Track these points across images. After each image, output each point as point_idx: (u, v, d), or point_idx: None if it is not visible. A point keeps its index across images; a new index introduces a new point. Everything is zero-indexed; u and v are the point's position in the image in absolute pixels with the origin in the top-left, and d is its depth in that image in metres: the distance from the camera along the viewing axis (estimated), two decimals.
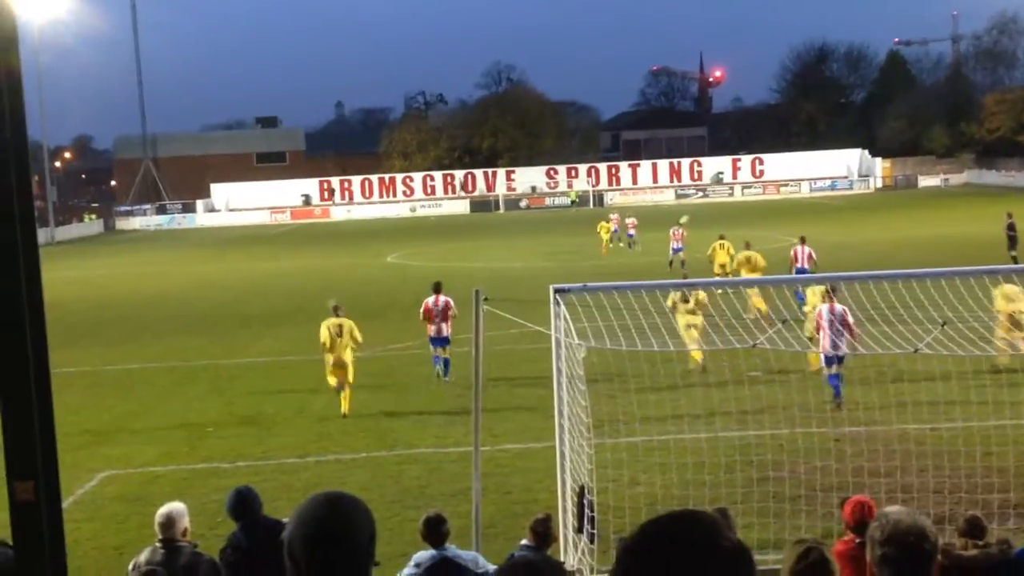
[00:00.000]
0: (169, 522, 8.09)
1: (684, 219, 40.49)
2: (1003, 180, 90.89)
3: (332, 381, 19.43)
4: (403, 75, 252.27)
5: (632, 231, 49.41)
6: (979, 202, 70.08)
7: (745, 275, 27.28)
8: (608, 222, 49.40)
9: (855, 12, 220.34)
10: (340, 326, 19.45)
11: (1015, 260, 34.62)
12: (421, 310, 21.83)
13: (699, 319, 20.13)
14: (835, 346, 17.10)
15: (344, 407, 19.07)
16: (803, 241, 29.43)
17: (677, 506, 12.27)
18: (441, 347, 21.65)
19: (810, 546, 5.73)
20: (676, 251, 39.62)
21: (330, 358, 19.37)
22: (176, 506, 8.30)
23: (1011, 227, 37.13)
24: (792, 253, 29.44)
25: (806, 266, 28.65)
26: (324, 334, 19.43)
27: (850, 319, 17.56)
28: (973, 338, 14.51)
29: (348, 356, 19.35)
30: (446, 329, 21.43)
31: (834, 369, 17.53)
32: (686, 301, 20.11)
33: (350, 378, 19.28)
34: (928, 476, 12.68)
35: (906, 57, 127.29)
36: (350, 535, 2.83)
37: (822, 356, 17.66)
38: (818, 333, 17.81)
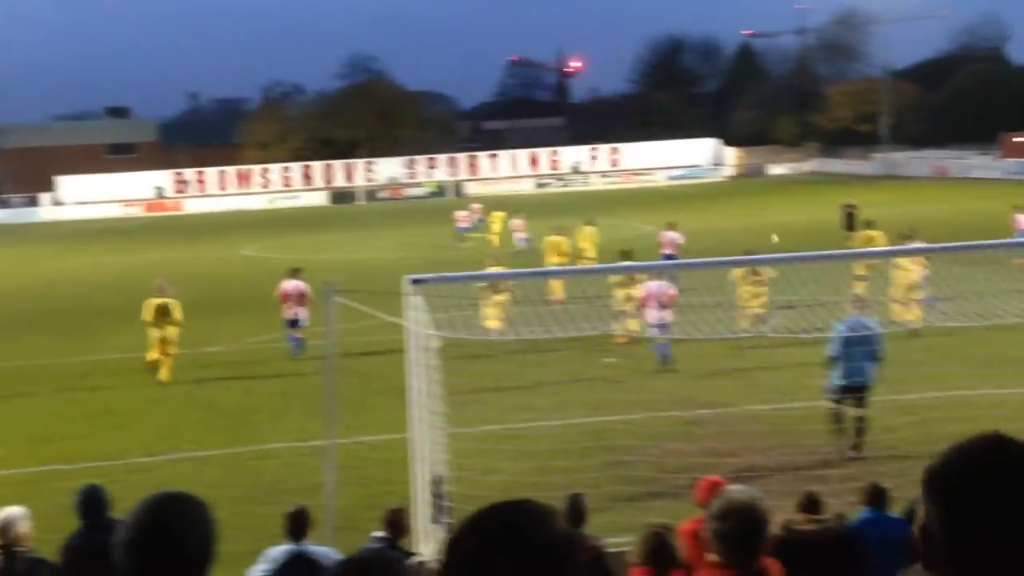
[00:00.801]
0: (6, 527, 7.83)
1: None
2: (846, 168, 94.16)
3: (153, 355, 21.19)
4: (260, 64, 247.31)
5: (475, 220, 49.70)
6: (824, 189, 72.50)
7: (554, 261, 28.74)
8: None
9: (707, 5, 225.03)
10: (165, 305, 21.24)
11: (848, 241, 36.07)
12: (277, 293, 22.93)
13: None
14: (659, 319, 18.63)
15: (164, 375, 20.88)
16: (671, 227, 30.35)
17: (533, 493, 12.40)
18: (294, 328, 22.68)
19: (653, 530, 5.88)
20: (524, 241, 40.73)
21: (155, 333, 21.15)
22: (13, 511, 8.03)
23: (849, 209, 38.93)
24: (665, 239, 30.31)
25: (672, 252, 29.48)
26: (148, 312, 21.32)
27: (671, 292, 18.99)
28: (815, 320, 15.08)
29: (170, 332, 21.24)
30: (301, 313, 22.48)
31: (662, 337, 18.64)
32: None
33: (171, 351, 21.17)
34: (774, 455, 13.10)
35: (755, 49, 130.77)
36: (174, 538, 2.78)
37: (651, 328, 18.87)
38: (644, 306, 19.11)
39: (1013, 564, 2.14)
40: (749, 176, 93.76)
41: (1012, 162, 75.40)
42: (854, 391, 13.88)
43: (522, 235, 42.04)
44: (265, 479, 14.70)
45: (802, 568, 6.91)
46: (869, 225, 27.03)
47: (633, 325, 19.66)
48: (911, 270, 19.80)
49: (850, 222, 38.37)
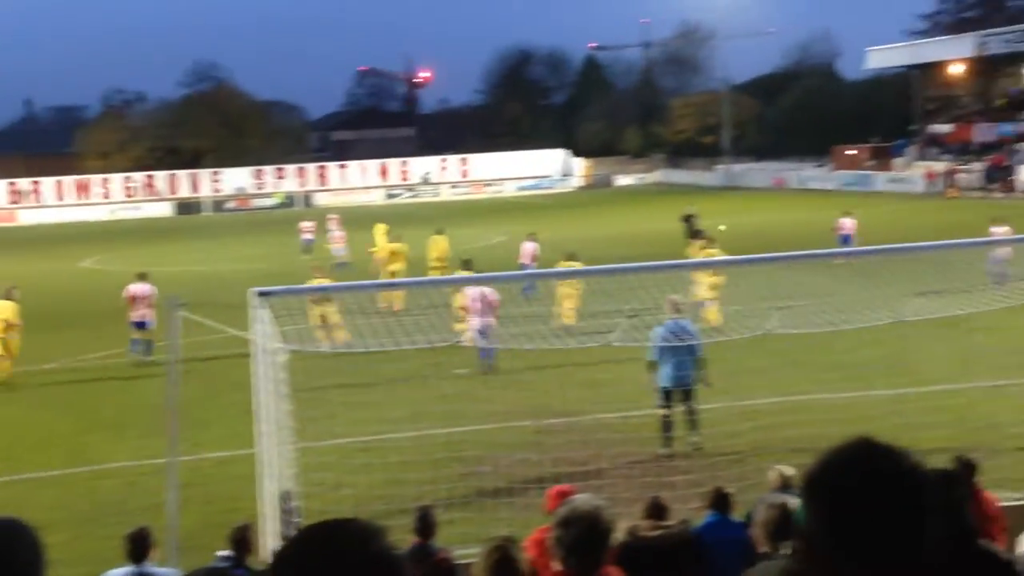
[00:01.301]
0: None
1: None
2: (690, 178, 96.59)
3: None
4: (100, 71, 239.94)
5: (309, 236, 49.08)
6: (670, 199, 74.21)
7: (395, 267, 29.41)
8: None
9: (554, 17, 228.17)
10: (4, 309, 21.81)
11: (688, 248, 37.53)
12: (124, 296, 23.18)
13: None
14: (483, 325, 19.67)
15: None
16: (531, 237, 30.81)
17: (382, 507, 12.35)
18: (141, 331, 22.87)
19: (496, 544, 5.89)
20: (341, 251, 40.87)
21: None
22: None
23: (688, 220, 40.34)
24: (524, 251, 30.68)
25: (530, 263, 29.95)
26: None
27: (493, 297, 19.82)
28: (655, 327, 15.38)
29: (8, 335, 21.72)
30: (148, 315, 22.72)
31: (484, 343, 19.37)
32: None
33: (12, 353, 21.68)
34: (620, 463, 13.31)
35: (601, 62, 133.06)
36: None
37: (474, 333, 19.69)
38: (468, 313, 20.01)
39: (888, 563, 2.24)
40: (597, 186, 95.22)
41: (844, 173, 78.52)
42: (677, 392, 14.44)
43: (340, 246, 41.73)
44: (105, 499, 14.23)
45: (647, 574, 7.02)
46: (701, 235, 28.95)
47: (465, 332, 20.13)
48: (703, 282, 21.40)
49: (691, 230, 39.54)
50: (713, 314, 21.35)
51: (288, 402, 10.69)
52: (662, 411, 14.63)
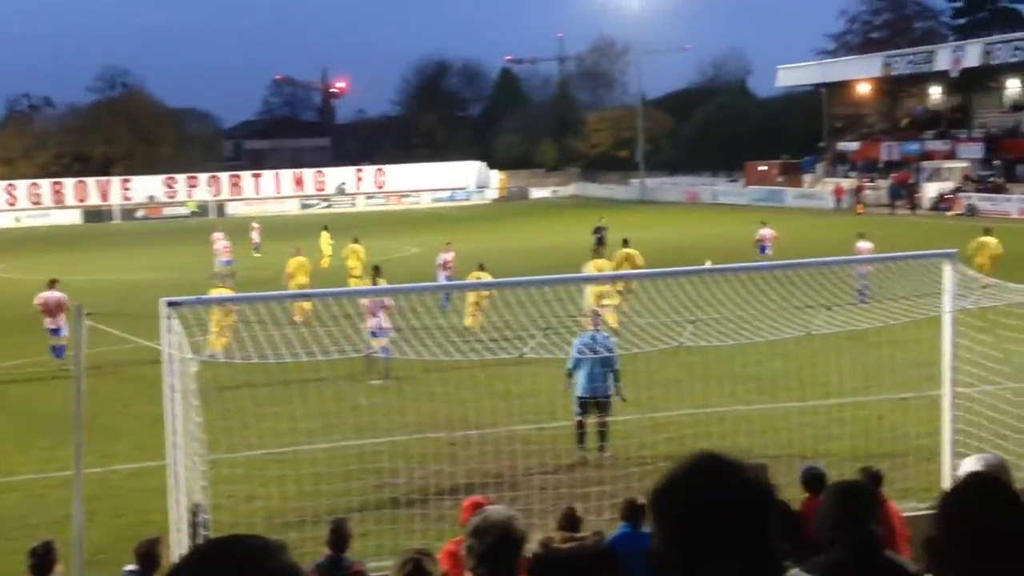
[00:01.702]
0: None
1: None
2: (605, 192, 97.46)
3: None
4: (4, 76, 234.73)
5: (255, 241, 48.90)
6: (584, 212, 74.76)
7: (301, 279, 29.27)
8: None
9: (471, 30, 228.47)
10: None
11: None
12: (36, 304, 23.26)
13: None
14: (375, 325, 20.29)
15: None
16: (447, 248, 31.08)
17: (295, 519, 12.25)
18: (56, 336, 22.99)
19: (408, 556, 5.88)
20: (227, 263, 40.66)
21: None
22: None
23: (599, 232, 42.08)
24: (441, 260, 30.75)
25: (445, 273, 30.29)
26: None
27: (388, 301, 20.41)
28: (572, 340, 15.49)
29: None
30: (61, 321, 22.80)
31: (383, 343, 19.77)
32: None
33: None
34: (534, 474, 13.36)
35: (518, 75, 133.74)
36: None
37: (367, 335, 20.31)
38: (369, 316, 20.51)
39: (719, 571, 2.28)
40: (513, 199, 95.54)
41: (756, 189, 79.88)
42: (593, 401, 14.64)
43: (226, 258, 41.49)
44: (8, 513, 13.89)
45: None
46: (625, 243, 29.74)
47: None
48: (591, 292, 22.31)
49: (600, 242, 40.91)
50: (612, 318, 21.96)
51: (199, 413, 10.54)
52: (577, 419, 14.87)
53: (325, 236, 42.01)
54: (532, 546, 8.37)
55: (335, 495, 12.82)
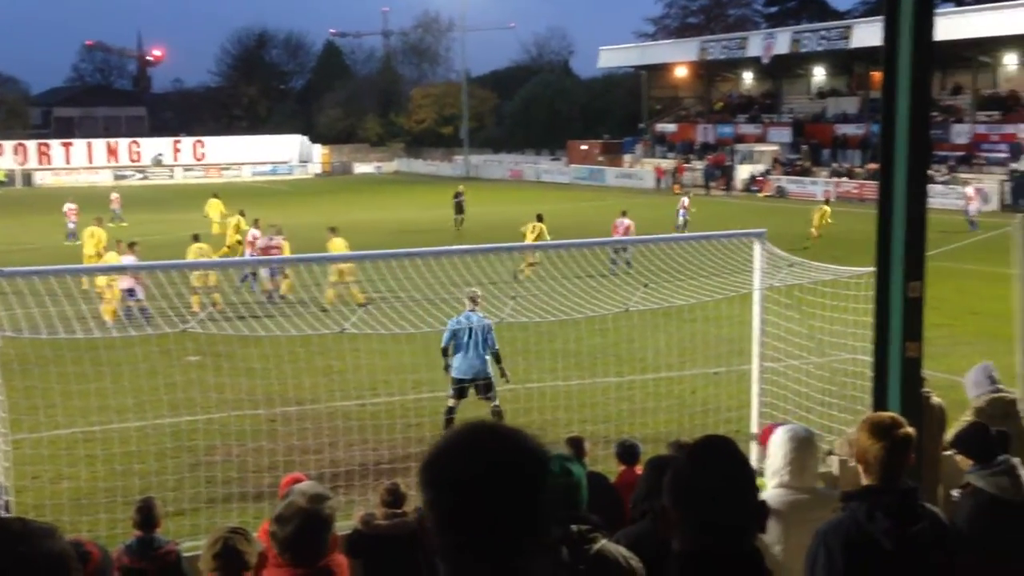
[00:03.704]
0: None
1: None
2: (428, 168, 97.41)
3: None
4: None
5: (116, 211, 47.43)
6: (408, 189, 74.60)
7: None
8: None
9: (294, 1, 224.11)
10: None
11: (460, 225, 42.78)
12: None
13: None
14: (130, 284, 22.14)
15: None
16: (255, 224, 30.33)
17: (104, 499, 11.86)
18: None
19: (219, 535, 5.76)
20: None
21: None
22: None
23: (459, 198, 44.52)
24: (251, 237, 30.04)
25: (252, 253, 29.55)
26: None
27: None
28: (394, 316, 15.44)
29: None
30: None
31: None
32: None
33: None
34: (356, 450, 13.28)
35: (342, 48, 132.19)
36: None
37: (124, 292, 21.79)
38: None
39: (490, 545, 2.22)
40: (336, 174, 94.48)
41: (578, 167, 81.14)
42: (471, 383, 14.44)
43: (73, 221, 40.40)
44: None
45: (379, 562, 7.05)
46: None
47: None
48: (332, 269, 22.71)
49: (459, 208, 44.07)
50: (356, 294, 22.57)
51: (1, 392, 10.06)
52: (449, 402, 14.60)
53: (215, 203, 42.09)
54: (354, 523, 8.32)
55: (148, 474, 12.45)
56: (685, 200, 42.37)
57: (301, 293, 24.60)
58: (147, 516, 7.53)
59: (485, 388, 14.51)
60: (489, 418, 2.70)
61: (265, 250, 28.33)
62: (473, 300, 14.82)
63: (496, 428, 2.33)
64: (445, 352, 14.73)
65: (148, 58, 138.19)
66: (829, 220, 37.80)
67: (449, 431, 2.32)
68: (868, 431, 4.76)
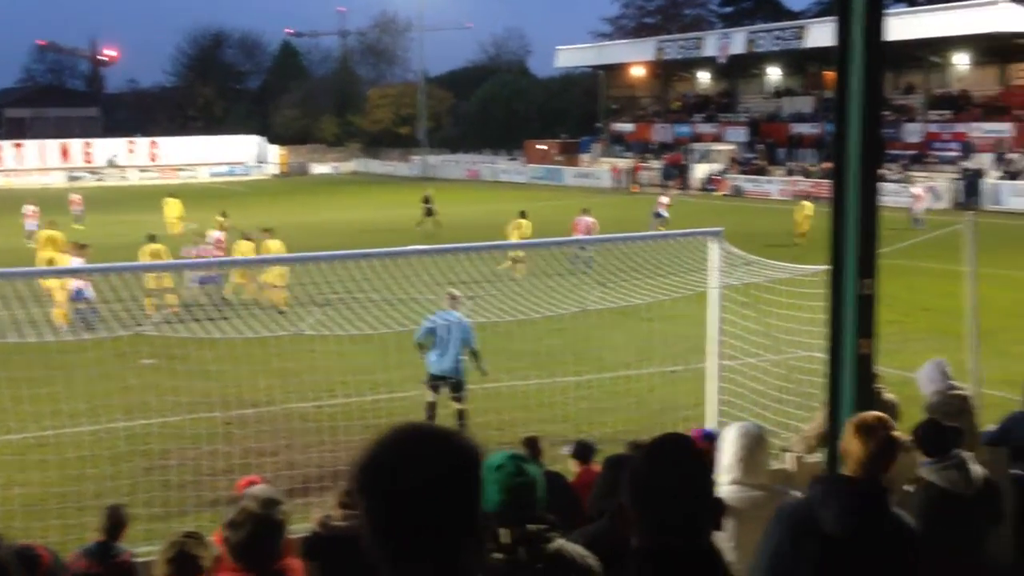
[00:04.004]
0: None
1: None
2: (386, 169, 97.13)
3: None
4: None
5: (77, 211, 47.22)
6: (366, 189, 74.32)
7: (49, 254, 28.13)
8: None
9: (250, 0, 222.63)
10: None
11: (425, 225, 42.49)
12: None
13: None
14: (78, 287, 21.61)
15: None
16: (221, 225, 30.33)
17: (56, 505, 11.70)
18: None
19: (173, 541, 5.70)
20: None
21: None
22: None
23: (427, 201, 44.74)
24: (215, 239, 29.88)
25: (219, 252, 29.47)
26: None
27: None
28: (352, 317, 15.37)
29: None
30: None
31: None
32: None
33: None
34: (313, 452, 13.20)
35: (298, 48, 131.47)
36: None
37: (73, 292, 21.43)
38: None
39: (429, 548, 2.19)
40: (294, 174, 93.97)
41: (535, 167, 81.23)
42: (444, 381, 14.35)
43: (34, 222, 39.86)
44: None
45: (337, 564, 7.00)
46: (523, 215, 31.18)
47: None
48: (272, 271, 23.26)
49: (429, 212, 44.35)
50: (279, 297, 23.13)
51: None
52: (428, 398, 14.56)
53: (173, 203, 42.00)
54: (311, 525, 8.26)
55: (102, 479, 12.32)
56: (664, 199, 42.70)
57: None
58: (115, 522, 7.47)
59: (455, 388, 14.47)
60: (416, 421, 2.69)
61: (217, 244, 28.59)
62: (452, 299, 14.75)
63: (428, 431, 2.29)
64: (420, 347, 14.72)
65: (101, 58, 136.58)
66: (808, 214, 37.30)
67: (380, 435, 2.27)
68: (853, 430, 4.80)
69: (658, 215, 40.24)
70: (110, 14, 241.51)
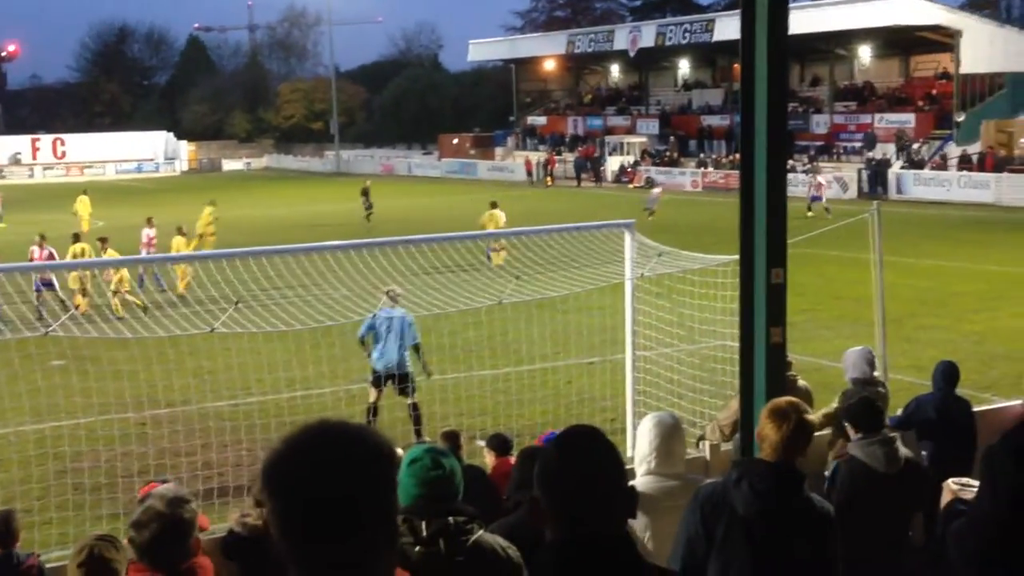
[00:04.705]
0: None
1: None
2: (299, 164, 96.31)
3: None
4: None
5: None
6: (279, 185, 73.57)
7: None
8: None
9: None
10: None
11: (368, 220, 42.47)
12: None
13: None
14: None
15: None
16: (149, 222, 29.70)
17: None
18: None
19: (85, 544, 5.60)
20: None
21: None
22: None
23: (365, 194, 44.30)
24: (145, 238, 29.32)
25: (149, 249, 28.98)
26: None
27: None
28: (266, 315, 15.24)
29: None
30: None
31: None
32: None
33: None
34: (229, 451, 13.06)
35: (206, 43, 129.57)
36: None
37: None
38: None
39: (342, 547, 2.16)
40: (205, 171, 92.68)
41: (450, 161, 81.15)
42: (387, 376, 14.21)
43: None
44: None
45: (255, 563, 6.97)
46: (494, 205, 31.77)
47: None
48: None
49: (368, 202, 44.02)
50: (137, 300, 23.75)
51: None
52: (371, 398, 14.39)
53: (84, 200, 41.98)
54: (229, 524, 8.18)
55: (11, 483, 12.07)
56: (656, 191, 44.09)
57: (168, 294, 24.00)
58: (6, 531, 7.14)
59: (401, 381, 14.35)
60: (325, 419, 2.69)
61: (149, 243, 28.45)
62: (391, 297, 14.59)
63: (337, 428, 2.25)
64: (362, 342, 14.60)
65: (2, 54, 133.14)
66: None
67: (287, 435, 2.23)
68: (767, 416, 4.91)
69: (651, 211, 40.93)
70: (9, 6, 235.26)
